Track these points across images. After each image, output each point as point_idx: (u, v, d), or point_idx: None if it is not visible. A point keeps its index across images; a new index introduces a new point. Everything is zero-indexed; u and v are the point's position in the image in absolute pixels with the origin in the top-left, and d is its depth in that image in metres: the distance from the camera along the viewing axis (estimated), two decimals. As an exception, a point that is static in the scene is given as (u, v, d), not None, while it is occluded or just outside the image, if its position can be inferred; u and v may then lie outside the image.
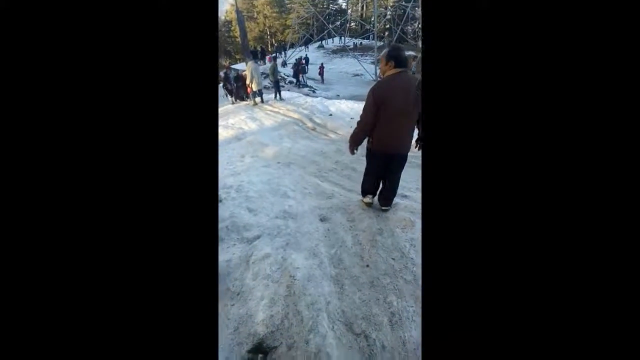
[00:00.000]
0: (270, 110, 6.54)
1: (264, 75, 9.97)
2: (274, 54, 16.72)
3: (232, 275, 1.60)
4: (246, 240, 1.91)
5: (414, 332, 1.23)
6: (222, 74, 7.59)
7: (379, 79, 1.74)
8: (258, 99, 7.28)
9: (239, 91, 7.34)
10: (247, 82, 6.87)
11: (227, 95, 7.53)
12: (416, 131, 1.88)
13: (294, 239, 1.87)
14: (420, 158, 3.27)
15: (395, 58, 1.66)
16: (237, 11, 15.23)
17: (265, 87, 9.69)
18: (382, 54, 1.73)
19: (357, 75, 16.37)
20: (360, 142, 1.87)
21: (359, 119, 1.79)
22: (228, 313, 1.37)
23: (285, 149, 4.09)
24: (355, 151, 1.92)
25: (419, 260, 1.61)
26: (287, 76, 14.01)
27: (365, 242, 1.81)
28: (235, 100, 7.45)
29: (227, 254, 1.78)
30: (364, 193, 2.19)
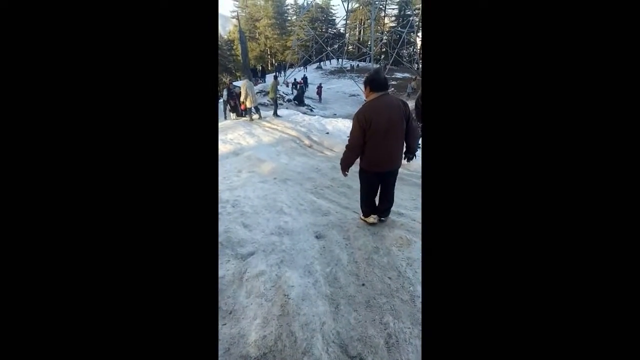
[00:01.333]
0: (269, 127, 6.60)
1: (263, 93, 10.16)
2: (274, 73, 17.17)
3: (225, 293, 1.55)
4: (240, 256, 1.87)
5: (411, 355, 1.19)
6: (224, 90, 7.72)
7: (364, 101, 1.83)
8: (255, 116, 7.37)
9: (238, 108, 7.45)
10: (242, 99, 7.00)
11: (229, 112, 7.61)
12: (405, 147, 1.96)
13: (289, 256, 1.84)
14: (414, 176, 3.30)
15: (371, 83, 1.77)
16: (240, 31, 15.71)
17: (264, 104, 9.84)
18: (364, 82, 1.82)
19: (354, 95, 16.74)
20: (352, 164, 1.94)
21: (347, 143, 1.88)
22: (219, 333, 1.31)
23: (282, 165, 4.10)
24: (346, 173, 2.00)
25: (415, 279, 1.59)
26: (286, 94, 14.28)
27: (361, 261, 1.78)
28: (234, 116, 7.53)
29: (221, 270, 1.73)
30: (367, 214, 2.20)
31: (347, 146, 1.87)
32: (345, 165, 1.94)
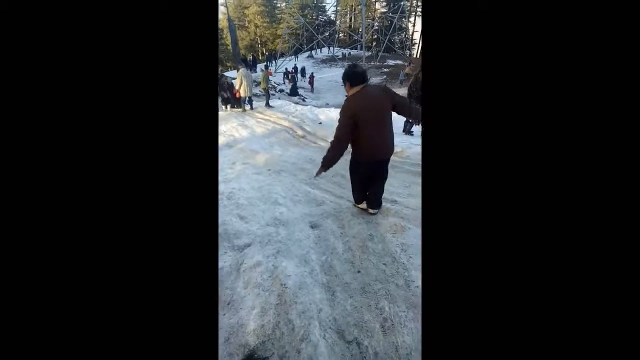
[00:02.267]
0: (261, 118, 6.52)
1: (255, 84, 9.98)
2: (265, 63, 16.80)
3: (223, 284, 1.56)
4: (237, 248, 1.88)
5: (406, 338, 1.22)
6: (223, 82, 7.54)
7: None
8: (247, 106, 7.25)
9: (230, 99, 7.27)
10: (237, 87, 6.86)
11: (222, 104, 7.44)
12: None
13: (285, 247, 1.85)
14: (407, 163, 3.31)
15: (349, 78, 1.78)
16: (229, 20, 15.24)
17: (255, 95, 9.68)
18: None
19: (346, 84, 16.60)
20: (335, 163, 1.86)
21: (333, 139, 1.83)
22: (219, 323, 1.33)
23: (276, 156, 4.08)
24: (322, 173, 1.90)
25: (410, 265, 1.62)
26: (277, 84, 14.07)
27: (356, 248, 1.81)
28: (226, 108, 7.38)
29: (219, 262, 1.74)
30: (358, 201, 2.22)
31: (333, 142, 1.82)
32: (329, 164, 1.85)
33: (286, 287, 1.46)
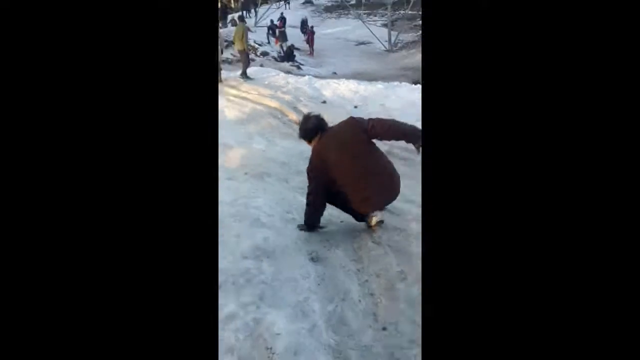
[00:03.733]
0: (234, 96, 6.59)
1: (226, 43, 10.11)
2: (239, 13, 16.97)
3: (176, 349, 1.56)
4: (198, 292, 1.88)
5: None
6: None
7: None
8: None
9: None
10: None
11: None
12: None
13: (272, 290, 1.85)
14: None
15: (304, 135, 2.32)
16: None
17: (225, 61, 9.80)
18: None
19: (363, 43, 16.74)
20: (318, 222, 2.36)
21: (306, 199, 2.32)
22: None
23: (256, 153, 4.12)
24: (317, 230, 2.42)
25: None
26: (259, 45, 14.23)
27: (379, 293, 1.81)
28: None
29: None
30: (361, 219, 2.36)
31: (307, 203, 2.32)
32: (311, 225, 2.35)
33: (274, 353, 1.46)
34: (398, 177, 2.25)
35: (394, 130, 2.19)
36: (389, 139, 2.29)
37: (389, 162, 2.26)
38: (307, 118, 2.32)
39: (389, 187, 2.21)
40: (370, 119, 2.19)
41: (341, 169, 2.12)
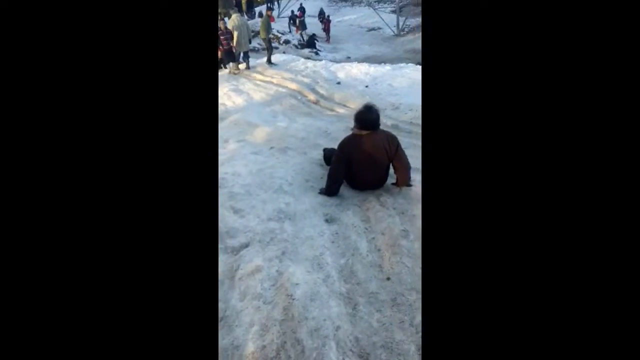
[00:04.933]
0: (261, 80, 6.52)
1: (253, 34, 9.90)
2: (267, 5, 16.50)
3: (213, 295, 1.61)
4: (231, 249, 1.93)
5: (449, 365, 1.22)
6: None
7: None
8: (243, 65, 7.23)
9: (233, 53, 7.12)
10: (234, 42, 6.80)
11: (219, 63, 7.36)
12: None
13: (292, 247, 1.88)
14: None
15: (359, 120, 2.24)
16: (214, -50, 15.07)
17: (253, 49, 9.64)
18: (357, 111, 2.30)
19: (374, 29, 16.08)
20: (337, 191, 2.40)
21: (329, 170, 2.41)
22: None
23: (280, 130, 4.09)
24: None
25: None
26: (281, 34, 13.88)
27: (385, 249, 1.81)
28: (231, 67, 7.29)
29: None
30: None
31: (328, 175, 2.40)
32: (331, 193, 2.40)
33: (294, 299, 1.49)
34: (383, 181, 2.45)
35: (401, 165, 2.31)
36: (394, 165, 2.35)
37: (384, 176, 2.43)
38: (371, 110, 2.25)
39: (377, 186, 2.43)
40: (400, 150, 2.29)
41: (362, 165, 2.27)
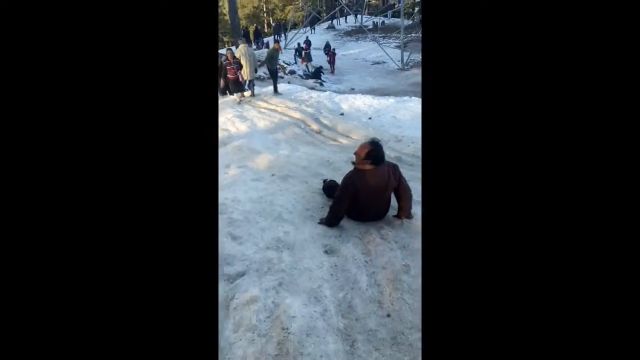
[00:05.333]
0: (265, 108, 6.64)
1: (259, 63, 10.20)
2: (273, 36, 17.13)
3: (206, 326, 1.57)
4: (227, 277, 1.90)
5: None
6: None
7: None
8: (248, 92, 7.39)
9: (228, 85, 7.30)
10: (242, 71, 6.97)
11: (225, 90, 7.50)
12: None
13: (290, 278, 1.84)
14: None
15: (374, 158, 2.23)
16: (227, -17, 15.84)
17: (258, 78, 9.90)
18: (362, 145, 2.30)
19: (378, 63, 16.61)
20: (338, 223, 2.39)
21: (330, 209, 2.38)
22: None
23: (282, 158, 4.12)
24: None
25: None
26: (287, 64, 14.32)
27: (385, 284, 1.78)
28: (236, 97, 7.43)
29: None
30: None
31: (329, 213, 2.37)
32: (332, 225, 2.38)
33: (290, 333, 1.45)
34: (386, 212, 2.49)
35: (403, 201, 2.38)
36: (398, 195, 2.41)
37: (389, 206, 2.48)
38: (378, 145, 2.31)
39: (380, 217, 2.46)
40: (403, 179, 2.36)
41: (367, 199, 2.30)
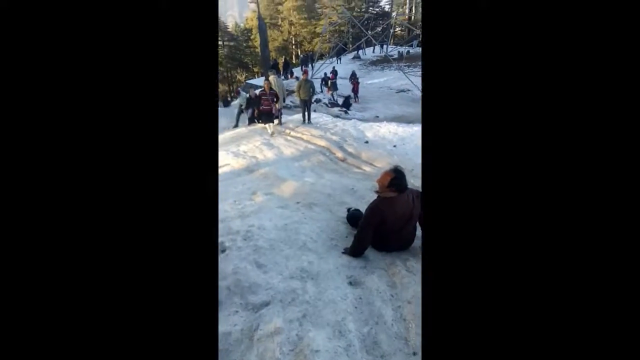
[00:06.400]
0: (292, 136, 6.80)
1: (287, 92, 10.54)
2: (301, 67, 17.72)
3: (231, 355, 1.57)
4: (252, 306, 1.90)
5: None
6: (247, 93, 8.00)
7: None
8: (276, 121, 7.59)
9: (258, 116, 7.55)
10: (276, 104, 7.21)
11: (254, 119, 7.79)
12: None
13: (314, 310, 1.82)
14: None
15: (397, 185, 2.25)
16: (259, 17, 16.73)
17: (286, 106, 10.19)
18: (384, 173, 2.35)
19: (403, 91, 16.74)
20: (363, 253, 2.37)
21: (355, 238, 2.38)
22: (221, 410, 1.32)
23: (307, 185, 4.16)
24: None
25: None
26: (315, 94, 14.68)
27: (411, 319, 1.72)
28: (256, 122, 7.70)
29: (227, 324, 1.76)
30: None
31: (354, 242, 2.36)
32: (356, 255, 2.36)
33: (312, 368, 1.41)
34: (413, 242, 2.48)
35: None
36: (422, 225, 2.42)
37: (415, 234, 2.47)
38: (401, 173, 2.33)
39: (405, 246, 2.45)
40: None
41: (393, 227, 2.29)
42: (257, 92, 7.37)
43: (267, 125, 7.25)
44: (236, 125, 8.08)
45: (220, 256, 2.44)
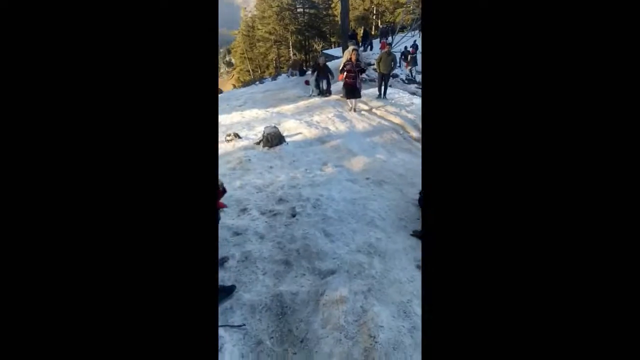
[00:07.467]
0: (365, 111, 6.66)
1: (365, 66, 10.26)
2: (380, 39, 17.06)
3: (296, 315, 1.65)
4: (318, 272, 1.96)
5: None
6: (319, 59, 8.03)
7: None
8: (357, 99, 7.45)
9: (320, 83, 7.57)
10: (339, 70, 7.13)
11: (317, 90, 7.87)
12: None
13: (380, 286, 1.83)
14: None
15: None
16: (343, -16, 16.22)
17: (362, 79, 9.95)
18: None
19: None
20: None
21: None
22: (287, 362, 1.41)
23: (378, 162, 4.10)
24: None
25: None
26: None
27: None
28: (318, 95, 7.73)
29: (294, 284, 1.85)
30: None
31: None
32: None
33: (376, 342, 1.44)
34: None
35: None
36: None
37: None
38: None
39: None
40: None
41: None
42: (321, 60, 7.48)
43: (349, 101, 6.88)
44: (314, 94, 8.11)
45: (291, 220, 2.53)
